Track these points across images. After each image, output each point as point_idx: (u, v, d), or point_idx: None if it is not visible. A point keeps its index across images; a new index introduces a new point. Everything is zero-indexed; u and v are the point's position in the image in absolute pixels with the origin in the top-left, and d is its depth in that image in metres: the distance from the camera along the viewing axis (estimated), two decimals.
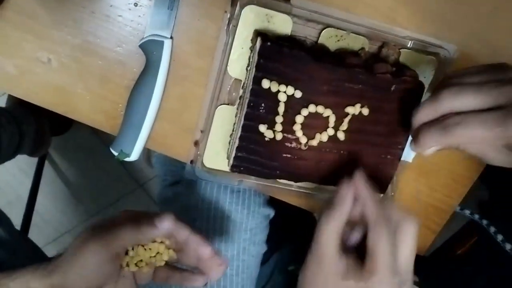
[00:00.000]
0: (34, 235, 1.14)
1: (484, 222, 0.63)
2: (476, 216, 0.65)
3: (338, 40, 0.50)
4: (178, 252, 0.47)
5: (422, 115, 0.41)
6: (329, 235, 0.41)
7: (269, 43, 0.44)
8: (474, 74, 0.39)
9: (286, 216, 0.70)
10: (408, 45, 0.52)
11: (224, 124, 0.52)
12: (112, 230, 0.43)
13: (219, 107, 0.51)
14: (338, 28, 0.50)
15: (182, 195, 0.63)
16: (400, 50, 0.52)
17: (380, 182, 0.53)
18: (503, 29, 0.54)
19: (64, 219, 1.35)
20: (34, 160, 1.20)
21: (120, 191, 1.34)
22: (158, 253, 0.47)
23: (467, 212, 0.65)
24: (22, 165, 1.28)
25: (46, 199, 1.32)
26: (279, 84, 0.46)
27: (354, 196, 0.43)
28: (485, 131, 0.36)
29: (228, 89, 0.51)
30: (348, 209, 0.43)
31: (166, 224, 0.43)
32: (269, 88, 0.46)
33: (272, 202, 0.66)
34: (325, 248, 0.41)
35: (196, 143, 0.53)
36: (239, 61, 0.50)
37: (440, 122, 0.39)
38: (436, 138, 0.40)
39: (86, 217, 1.36)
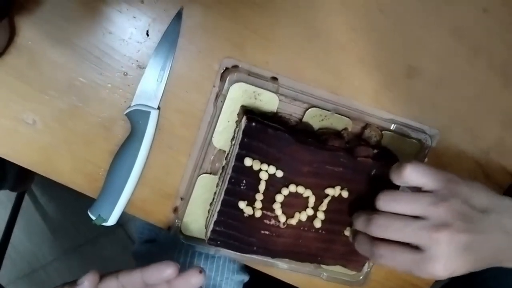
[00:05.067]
0: (6, 267, 1.11)
1: None
2: None
3: (322, 120, 0.51)
4: None
5: (358, 226, 0.46)
6: None
7: (254, 124, 0.45)
8: (405, 203, 0.43)
9: (261, 280, 0.69)
10: (391, 128, 0.53)
11: (205, 193, 0.52)
12: None
13: (201, 176, 0.51)
14: (322, 109, 0.51)
15: (156, 255, 0.62)
16: (383, 132, 0.53)
17: (357, 260, 0.54)
18: (483, 116, 0.55)
19: (39, 254, 1.33)
20: (14, 193, 1.18)
21: (99, 229, 1.32)
22: None
23: None
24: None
25: (21, 232, 1.30)
26: (261, 163, 0.46)
27: None
28: (400, 269, 0.43)
29: (211, 159, 0.52)
30: None
31: (83, 279, 0.41)
32: (251, 166, 0.46)
33: (247, 266, 0.65)
34: None
35: (176, 210, 0.53)
36: (224, 134, 0.50)
37: (369, 246, 0.45)
38: (366, 254, 0.46)
39: (61, 253, 1.33)
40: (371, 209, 0.45)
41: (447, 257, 0.40)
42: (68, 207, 1.31)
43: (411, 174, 0.43)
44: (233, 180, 0.47)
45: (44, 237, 1.33)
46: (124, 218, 1.32)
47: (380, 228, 0.43)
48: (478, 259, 0.42)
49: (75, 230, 1.32)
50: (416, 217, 0.42)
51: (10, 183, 0.97)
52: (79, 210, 1.29)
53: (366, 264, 0.56)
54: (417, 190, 0.44)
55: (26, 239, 1.32)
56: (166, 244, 0.61)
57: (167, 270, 0.41)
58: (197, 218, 0.53)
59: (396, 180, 0.44)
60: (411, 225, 0.41)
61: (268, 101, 0.50)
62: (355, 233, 0.48)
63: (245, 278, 0.65)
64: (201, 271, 0.42)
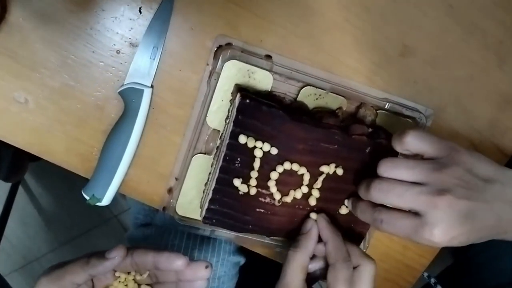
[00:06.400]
0: (0, 260, 1.11)
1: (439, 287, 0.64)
2: (432, 281, 0.65)
3: (317, 99, 0.51)
4: (156, 285, 0.46)
5: (360, 192, 0.46)
6: (295, 268, 0.46)
7: (248, 101, 0.45)
8: (406, 169, 0.43)
9: (257, 262, 0.69)
10: (386, 107, 0.53)
11: (200, 173, 0.52)
12: (63, 266, 0.42)
13: (195, 156, 0.51)
14: (317, 87, 0.50)
15: (152, 238, 0.61)
16: (377, 111, 0.53)
17: (353, 240, 0.53)
18: (478, 96, 0.56)
19: (33, 246, 1.32)
20: (7, 184, 1.17)
21: (94, 220, 1.32)
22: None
23: (425, 274, 0.65)
24: None
25: (16, 224, 1.29)
26: (256, 140, 0.46)
27: (317, 235, 0.49)
28: (400, 234, 0.42)
29: (205, 138, 0.51)
30: (311, 247, 0.48)
31: (115, 253, 0.42)
32: (246, 143, 0.46)
33: (243, 248, 0.65)
34: (291, 280, 0.46)
35: (170, 190, 0.52)
36: (218, 113, 0.50)
37: (371, 212, 0.45)
38: (367, 221, 0.46)
39: (56, 245, 1.32)
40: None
41: (445, 223, 0.40)
42: (63, 200, 1.30)
43: (413, 140, 0.42)
44: (227, 158, 0.46)
45: (38, 229, 1.32)
46: (118, 209, 1.32)
47: (380, 192, 0.43)
48: (478, 229, 0.41)
49: (69, 222, 1.31)
50: (417, 184, 0.42)
51: (4, 172, 0.96)
52: (74, 203, 1.29)
53: (362, 245, 0.56)
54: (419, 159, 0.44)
55: (21, 231, 1.31)
56: (161, 227, 0.61)
57: (177, 261, 0.43)
58: (192, 199, 0.52)
59: (398, 146, 0.44)
60: (411, 190, 0.41)
61: (262, 80, 0.49)
62: (357, 202, 0.48)
63: (241, 260, 0.64)
64: (208, 266, 0.44)
